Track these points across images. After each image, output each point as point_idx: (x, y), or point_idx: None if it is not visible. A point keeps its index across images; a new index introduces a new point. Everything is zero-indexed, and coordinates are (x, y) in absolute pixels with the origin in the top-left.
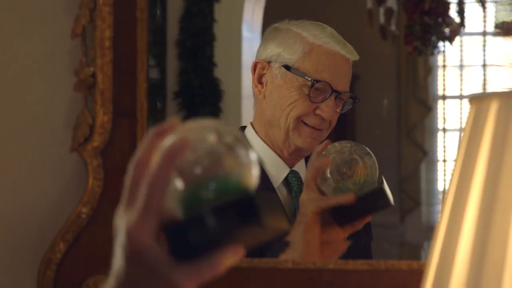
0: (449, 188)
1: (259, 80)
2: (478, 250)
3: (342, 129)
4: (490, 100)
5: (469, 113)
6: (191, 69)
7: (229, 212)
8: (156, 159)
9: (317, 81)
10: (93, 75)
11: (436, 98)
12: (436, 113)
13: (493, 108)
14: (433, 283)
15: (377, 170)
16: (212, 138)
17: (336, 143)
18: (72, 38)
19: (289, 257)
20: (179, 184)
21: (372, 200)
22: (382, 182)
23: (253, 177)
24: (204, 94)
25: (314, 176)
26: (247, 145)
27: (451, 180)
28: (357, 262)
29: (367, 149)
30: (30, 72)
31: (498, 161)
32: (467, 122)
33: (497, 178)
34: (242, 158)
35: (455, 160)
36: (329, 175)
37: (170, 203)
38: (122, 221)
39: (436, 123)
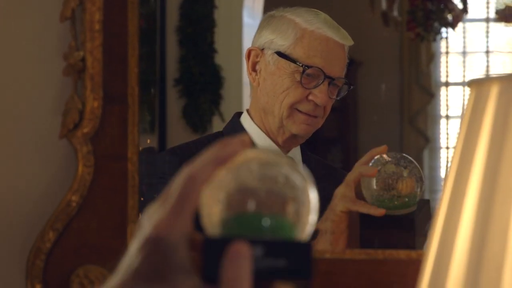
0: (447, 175)
1: (253, 68)
2: (477, 239)
3: (344, 116)
4: (490, 85)
5: (469, 98)
6: (191, 56)
7: (280, 252)
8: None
9: (309, 67)
10: (83, 60)
11: (438, 84)
12: (439, 99)
13: (494, 92)
14: (431, 273)
15: (420, 192)
16: (280, 178)
17: (391, 155)
18: (61, 21)
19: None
20: (227, 204)
21: None
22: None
23: (307, 234)
24: (204, 81)
25: (356, 179)
26: (311, 189)
27: (450, 166)
28: (355, 252)
29: (421, 171)
30: (18, 56)
31: (498, 147)
32: (466, 107)
33: (498, 164)
34: (304, 209)
35: (455, 146)
36: (374, 186)
37: (210, 218)
38: (150, 216)
39: (439, 110)
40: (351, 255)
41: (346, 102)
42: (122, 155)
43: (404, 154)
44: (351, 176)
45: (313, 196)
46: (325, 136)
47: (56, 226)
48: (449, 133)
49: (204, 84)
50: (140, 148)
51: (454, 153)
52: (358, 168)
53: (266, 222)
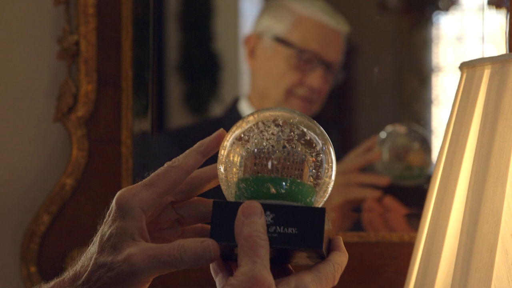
0: (439, 158)
1: (251, 53)
2: (470, 221)
3: (341, 100)
4: (483, 66)
5: (461, 80)
6: (190, 42)
7: (290, 218)
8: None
9: (304, 51)
10: (77, 44)
11: (433, 70)
12: (434, 85)
13: (486, 74)
14: (424, 255)
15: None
16: (297, 138)
17: (403, 127)
18: (55, 5)
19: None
20: (245, 166)
21: None
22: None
23: (324, 197)
24: (203, 67)
25: (361, 166)
26: (329, 149)
27: (441, 149)
28: (347, 234)
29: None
30: (12, 40)
31: (490, 129)
32: (457, 90)
33: (490, 146)
34: (321, 170)
35: (446, 129)
36: (386, 157)
37: (227, 180)
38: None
39: (433, 95)
40: (343, 237)
41: (343, 87)
42: (116, 139)
43: (416, 128)
44: (355, 164)
45: (331, 156)
46: (322, 120)
47: (51, 209)
48: (442, 118)
49: (203, 70)
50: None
51: (446, 135)
52: (364, 156)
53: (280, 185)
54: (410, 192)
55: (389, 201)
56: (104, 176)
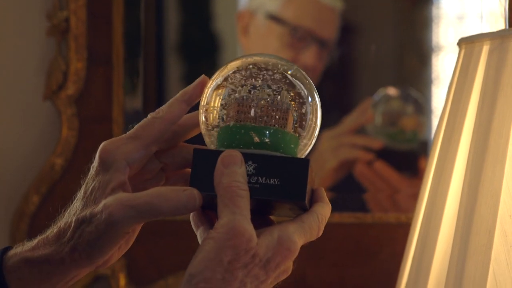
0: (435, 137)
1: (245, 31)
2: (468, 201)
3: (340, 79)
4: (481, 42)
5: (458, 56)
6: (190, 21)
7: (273, 168)
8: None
9: (298, 29)
10: (67, 20)
11: (433, 50)
12: (434, 65)
13: (485, 50)
14: (420, 236)
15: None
16: (281, 85)
17: (397, 91)
18: None
19: None
20: (228, 114)
21: None
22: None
23: (307, 148)
24: (203, 46)
25: (354, 128)
26: (314, 97)
27: (438, 128)
28: (343, 215)
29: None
30: (0, 16)
31: (489, 107)
32: (455, 67)
33: (488, 124)
34: (306, 120)
35: (443, 108)
36: (378, 121)
37: (208, 129)
38: None
39: (433, 75)
40: (339, 218)
41: (341, 65)
42: (107, 117)
43: (411, 91)
44: (348, 126)
45: (317, 106)
46: (324, 98)
47: (40, 189)
48: (442, 98)
49: (203, 50)
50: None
51: (443, 113)
52: (356, 118)
53: (263, 134)
54: (402, 157)
55: (381, 165)
56: (95, 155)
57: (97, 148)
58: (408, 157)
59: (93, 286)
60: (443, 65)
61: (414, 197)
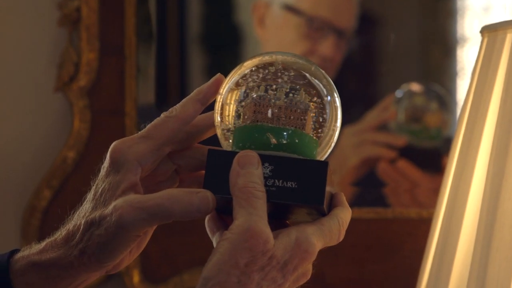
0: (457, 131)
1: (261, 22)
2: (491, 196)
3: (359, 73)
4: (505, 30)
5: (481, 45)
6: (212, 13)
7: (290, 171)
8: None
9: (314, 19)
10: (78, 10)
11: (458, 41)
12: (459, 57)
13: (508, 39)
14: (442, 232)
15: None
16: (300, 85)
17: (421, 86)
18: None
19: None
20: (245, 115)
21: None
22: None
23: (327, 150)
24: (225, 38)
25: (376, 125)
26: (335, 98)
27: (459, 120)
28: (363, 210)
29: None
30: (10, 6)
31: None
32: (478, 56)
33: None
34: (325, 121)
35: (465, 99)
36: (401, 117)
37: (222, 129)
38: None
39: (458, 67)
40: (359, 213)
41: (361, 57)
42: (120, 109)
43: (435, 86)
44: (369, 123)
45: (337, 107)
46: (344, 92)
47: (52, 183)
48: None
49: (225, 42)
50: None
51: (465, 105)
52: (378, 115)
53: (280, 135)
54: (426, 155)
55: (404, 164)
56: (107, 148)
57: (110, 141)
58: (432, 155)
59: (107, 284)
60: (468, 58)
61: (436, 191)
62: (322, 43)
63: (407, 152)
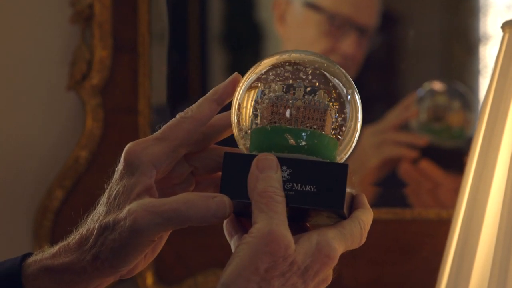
0: (477, 130)
1: (281, 19)
2: (511, 198)
3: (381, 71)
4: None
5: (502, 41)
6: (233, 11)
7: (309, 174)
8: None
9: (335, 16)
10: (91, 6)
11: (481, 40)
12: (481, 55)
13: None
14: (460, 234)
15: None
16: (319, 85)
17: (443, 85)
18: None
19: None
20: (262, 115)
21: None
22: None
23: (347, 152)
24: (246, 37)
25: (397, 124)
26: (355, 98)
27: (480, 119)
28: (381, 211)
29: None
30: (22, 3)
31: None
32: (499, 52)
33: None
34: (345, 122)
35: (485, 97)
36: (423, 116)
37: (240, 129)
38: None
39: (480, 65)
40: (377, 214)
41: (383, 54)
42: (133, 108)
43: (457, 85)
44: (391, 122)
45: (358, 107)
46: (366, 90)
47: (64, 183)
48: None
49: (246, 40)
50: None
51: (485, 103)
52: (400, 114)
53: (299, 136)
54: (449, 155)
55: (427, 165)
56: (121, 148)
57: (123, 140)
58: (454, 155)
59: (119, 286)
60: (491, 56)
61: (456, 191)
62: (343, 41)
63: (429, 152)
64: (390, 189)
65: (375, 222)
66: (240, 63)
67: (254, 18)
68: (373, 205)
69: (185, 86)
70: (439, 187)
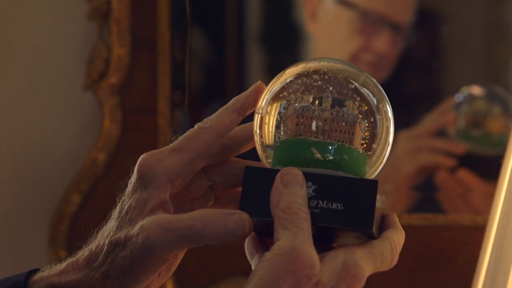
0: None
1: (312, 16)
2: None
3: (416, 72)
4: None
5: None
6: (271, 10)
7: (336, 191)
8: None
9: (369, 13)
10: (108, 2)
11: None
12: None
13: None
14: (495, 241)
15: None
16: (349, 95)
17: (482, 90)
18: None
19: None
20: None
21: None
22: None
23: (377, 168)
24: (284, 36)
25: (433, 131)
26: (387, 110)
27: None
28: (412, 216)
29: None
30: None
31: None
32: None
33: None
34: (376, 135)
35: None
36: (461, 122)
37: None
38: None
39: None
40: (408, 220)
41: (419, 54)
42: (152, 108)
43: (496, 89)
44: (427, 128)
45: (389, 119)
46: (400, 91)
47: (81, 187)
48: None
49: (284, 40)
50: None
51: None
52: (437, 120)
53: (326, 150)
54: (488, 163)
55: (465, 175)
56: (140, 150)
57: (142, 142)
58: (494, 164)
59: None
60: None
61: (491, 196)
62: (377, 39)
63: (468, 161)
64: (421, 193)
65: (406, 228)
66: (278, 62)
67: (292, 17)
68: (404, 210)
69: (222, 84)
70: (473, 191)
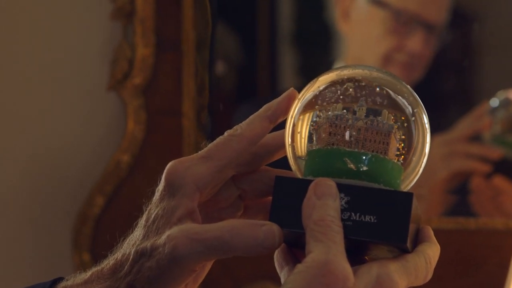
0: None
1: (344, 16)
2: None
3: (451, 74)
4: None
5: None
6: (303, 11)
7: (369, 203)
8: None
9: (402, 12)
10: (132, 2)
11: None
12: None
13: None
14: None
15: None
16: (383, 103)
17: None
18: None
19: None
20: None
21: None
22: None
23: (412, 180)
24: (316, 37)
25: (467, 136)
26: (423, 118)
27: None
28: (442, 220)
29: None
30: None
31: None
32: None
33: None
34: (412, 145)
35: None
36: (497, 127)
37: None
38: None
39: None
40: (438, 223)
41: (454, 55)
42: (177, 110)
43: None
44: (461, 133)
45: (426, 128)
46: (434, 92)
47: (105, 189)
48: None
49: (318, 41)
50: None
51: None
52: (471, 124)
53: (359, 161)
54: None
55: (500, 181)
56: (164, 152)
57: (167, 143)
58: None
59: None
60: None
61: None
62: (410, 39)
63: (503, 167)
64: (455, 197)
65: (435, 232)
66: (310, 63)
67: (324, 17)
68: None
69: (253, 85)
70: (505, 195)
